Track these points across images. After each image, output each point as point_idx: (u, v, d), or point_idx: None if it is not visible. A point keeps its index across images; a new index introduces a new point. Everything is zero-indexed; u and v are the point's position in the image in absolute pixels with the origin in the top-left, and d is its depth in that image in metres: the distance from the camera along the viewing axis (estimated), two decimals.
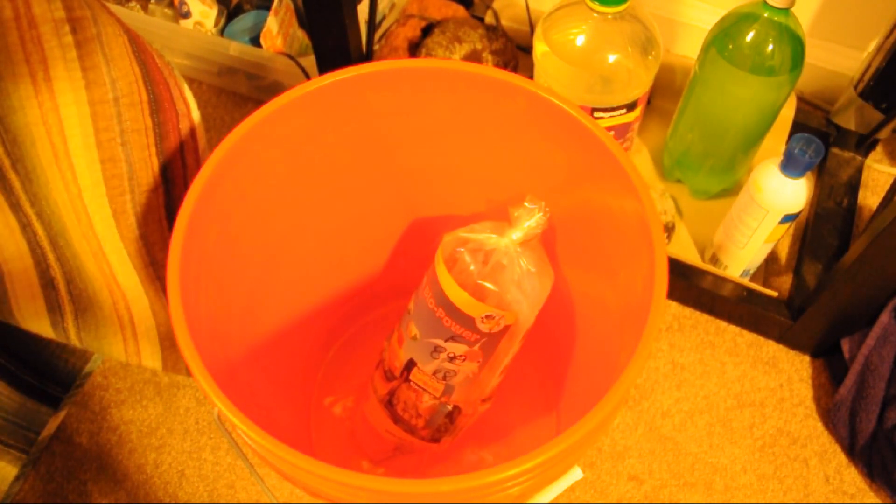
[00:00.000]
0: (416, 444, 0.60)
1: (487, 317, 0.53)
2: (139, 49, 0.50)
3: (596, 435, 0.41)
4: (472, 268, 0.54)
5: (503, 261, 0.53)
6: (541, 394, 0.69)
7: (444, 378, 0.56)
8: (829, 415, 0.72)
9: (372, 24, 0.80)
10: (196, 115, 0.56)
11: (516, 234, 0.53)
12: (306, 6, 0.72)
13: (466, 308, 0.53)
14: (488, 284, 0.54)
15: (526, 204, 0.54)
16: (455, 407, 0.58)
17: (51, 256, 0.53)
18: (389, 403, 0.59)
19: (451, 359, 0.55)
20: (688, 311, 0.79)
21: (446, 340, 0.54)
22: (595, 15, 0.68)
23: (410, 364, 0.57)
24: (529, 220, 0.53)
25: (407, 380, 0.57)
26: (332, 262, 0.65)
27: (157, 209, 0.55)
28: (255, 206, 0.52)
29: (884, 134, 0.84)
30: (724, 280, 0.75)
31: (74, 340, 0.61)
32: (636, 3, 0.68)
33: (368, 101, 0.52)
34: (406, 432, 0.59)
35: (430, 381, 0.56)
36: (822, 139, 0.64)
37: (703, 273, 0.76)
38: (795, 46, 0.65)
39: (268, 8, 0.92)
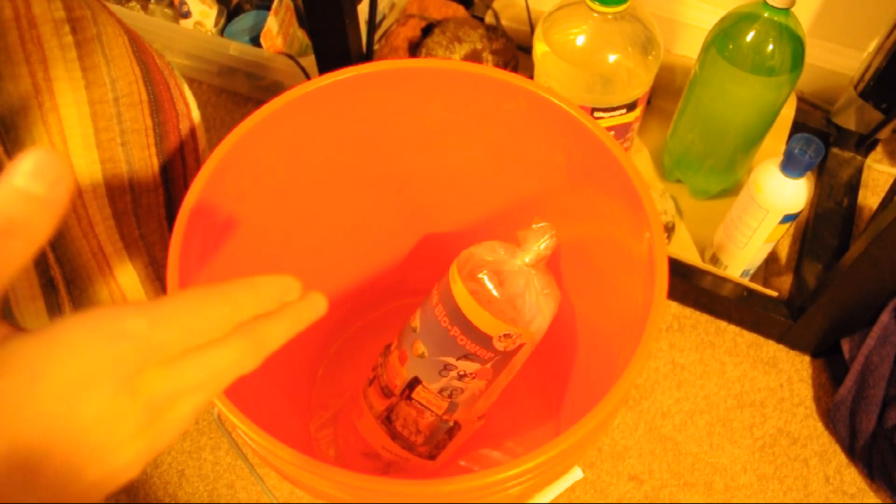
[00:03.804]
0: (412, 462, 0.60)
1: (505, 335, 0.53)
2: (139, 49, 0.50)
3: (596, 435, 0.41)
4: (490, 288, 0.54)
5: (521, 282, 0.54)
6: (541, 402, 0.69)
7: (450, 396, 0.56)
8: (829, 415, 0.72)
9: (372, 24, 0.80)
10: (196, 115, 0.56)
11: (528, 257, 0.54)
12: (306, 6, 0.72)
13: (485, 326, 0.53)
14: (508, 305, 0.54)
15: (533, 226, 0.54)
16: (455, 423, 0.58)
17: (51, 256, 0.53)
18: (387, 420, 0.59)
19: (461, 377, 0.55)
20: (688, 311, 0.79)
21: (458, 358, 0.54)
22: (595, 15, 0.68)
23: (414, 382, 0.56)
24: (539, 244, 0.54)
25: (409, 398, 0.57)
26: (331, 261, 0.65)
27: (157, 209, 0.55)
28: (255, 206, 0.52)
29: (884, 134, 0.83)
30: (724, 280, 0.75)
31: None
32: (636, 3, 0.68)
33: (368, 101, 0.52)
34: (404, 449, 0.59)
35: (434, 399, 0.56)
36: (822, 139, 0.64)
37: (703, 273, 0.76)
38: (795, 46, 0.65)
39: (268, 8, 0.92)
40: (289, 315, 0.31)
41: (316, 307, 0.33)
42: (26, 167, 0.24)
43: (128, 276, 0.56)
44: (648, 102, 0.87)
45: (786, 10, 0.63)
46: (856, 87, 0.83)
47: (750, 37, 0.65)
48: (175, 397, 0.26)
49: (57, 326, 0.24)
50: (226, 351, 0.27)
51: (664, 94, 0.87)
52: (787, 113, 0.83)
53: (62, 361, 0.23)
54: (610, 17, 0.68)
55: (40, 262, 0.54)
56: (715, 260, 0.76)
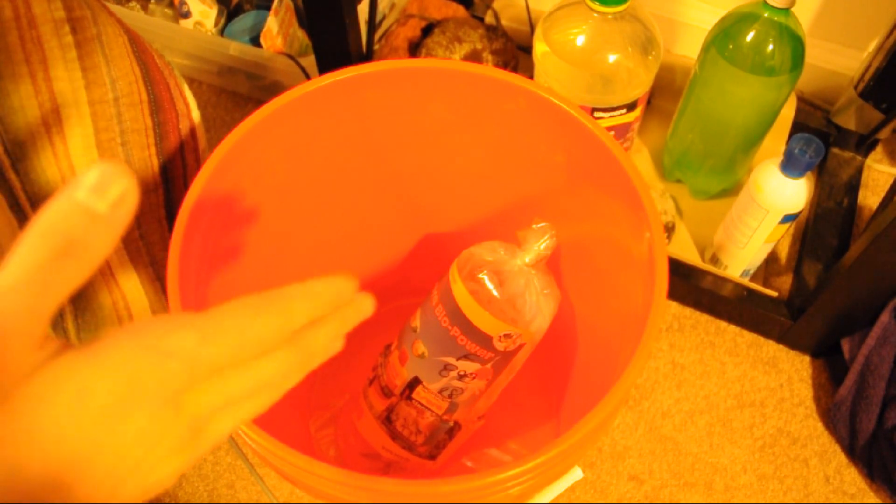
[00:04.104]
0: (412, 462, 0.60)
1: (505, 335, 0.53)
2: (139, 49, 0.50)
3: (596, 435, 0.41)
4: (490, 288, 0.54)
5: (521, 282, 0.54)
6: (541, 402, 0.69)
7: (451, 396, 0.56)
8: (829, 415, 0.72)
9: (372, 24, 0.80)
10: (196, 115, 0.56)
11: (528, 257, 0.54)
12: (306, 6, 0.72)
13: (485, 326, 0.53)
14: (508, 305, 0.54)
15: (533, 226, 0.54)
16: (456, 423, 0.58)
17: None
18: (387, 420, 0.59)
19: (461, 377, 0.55)
20: (688, 311, 0.79)
21: (458, 359, 0.54)
22: (595, 15, 0.68)
23: (414, 382, 0.56)
24: (539, 244, 0.54)
25: (409, 398, 0.57)
26: (331, 261, 0.65)
27: (157, 209, 0.55)
28: (255, 206, 0.52)
29: (884, 134, 0.83)
30: (724, 280, 0.75)
31: (74, 340, 0.61)
32: (636, 3, 0.68)
33: (368, 101, 0.52)
34: (404, 449, 0.59)
35: (434, 399, 0.56)
36: (822, 139, 0.64)
37: (703, 273, 0.76)
38: (795, 46, 0.65)
39: (268, 8, 0.92)
40: (336, 321, 0.30)
41: (363, 310, 0.32)
42: (90, 181, 0.23)
43: (127, 277, 0.56)
44: (648, 102, 0.87)
45: (786, 10, 0.63)
46: (856, 87, 0.83)
47: (750, 37, 0.65)
48: (218, 412, 0.25)
49: (106, 341, 0.24)
50: (274, 366, 0.27)
51: (664, 94, 0.87)
52: (787, 113, 0.83)
53: (109, 378, 0.23)
54: (610, 17, 0.68)
55: None
56: (715, 260, 0.76)
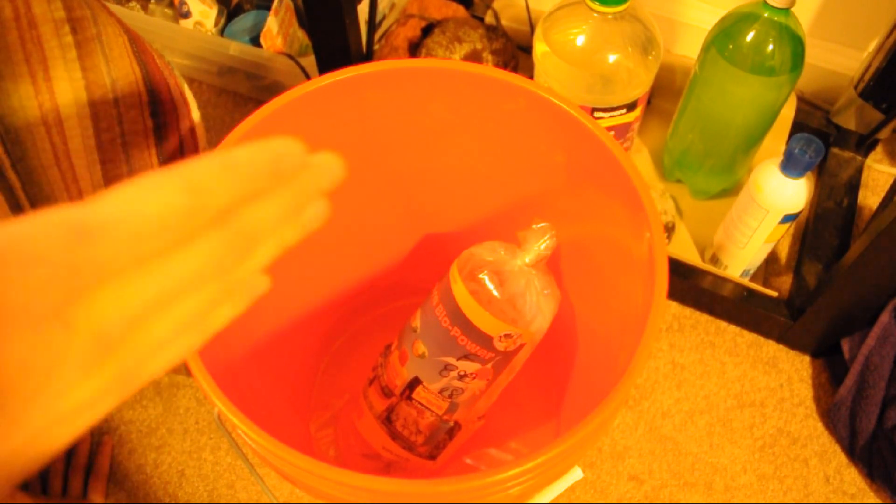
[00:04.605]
0: (412, 462, 0.60)
1: (506, 335, 0.53)
2: (139, 49, 0.50)
3: (596, 435, 0.41)
4: (490, 288, 0.54)
5: (521, 282, 0.54)
6: (541, 402, 0.69)
7: (451, 396, 0.56)
8: (829, 415, 0.72)
9: (372, 24, 0.80)
10: (196, 115, 0.56)
11: (529, 258, 0.54)
12: (306, 6, 0.72)
13: (485, 327, 0.53)
14: (508, 305, 0.54)
15: (533, 226, 0.54)
16: (456, 423, 0.58)
17: None
18: (387, 420, 0.59)
19: (462, 377, 0.55)
20: (688, 311, 0.79)
21: (459, 359, 0.54)
22: (595, 15, 0.68)
23: (415, 382, 0.56)
24: (539, 244, 0.54)
25: (409, 398, 0.57)
26: (332, 261, 0.65)
27: None
28: None
29: (884, 134, 0.83)
30: (724, 280, 0.75)
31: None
32: (636, 3, 0.68)
33: (368, 101, 0.52)
34: (404, 449, 0.59)
35: (434, 399, 0.56)
36: (822, 139, 0.64)
37: (703, 273, 0.76)
38: (795, 46, 0.65)
39: (268, 8, 0.92)
40: (287, 191, 0.24)
41: (326, 169, 0.26)
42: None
43: None
44: (648, 102, 0.87)
45: (786, 10, 0.63)
46: (856, 87, 0.83)
47: (750, 37, 0.65)
48: (134, 321, 0.20)
49: None
50: (199, 255, 0.21)
51: (664, 94, 0.87)
52: (787, 113, 0.83)
53: None
54: (610, 17, 0.68)
55: None
56: (715, 260, 0.76)
